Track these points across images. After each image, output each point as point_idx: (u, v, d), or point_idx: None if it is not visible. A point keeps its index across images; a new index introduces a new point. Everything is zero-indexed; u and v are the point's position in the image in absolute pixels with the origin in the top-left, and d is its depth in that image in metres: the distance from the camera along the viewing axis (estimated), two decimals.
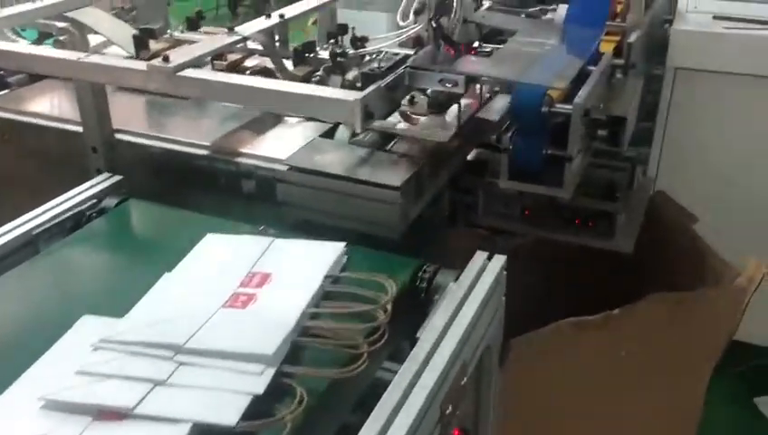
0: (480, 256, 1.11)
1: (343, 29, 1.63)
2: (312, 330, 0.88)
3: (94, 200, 1.32)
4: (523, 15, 1.74)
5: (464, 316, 0.99)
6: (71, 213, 1.29)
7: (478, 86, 1.43)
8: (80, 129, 1.52)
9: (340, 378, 0.82)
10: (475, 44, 1.56)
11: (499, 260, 1.10)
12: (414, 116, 1.37)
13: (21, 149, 1.64)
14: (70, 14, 1.74)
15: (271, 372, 0.81)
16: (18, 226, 1.23)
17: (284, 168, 1.31)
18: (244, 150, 1.45)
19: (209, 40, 1.45)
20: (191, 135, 1.51)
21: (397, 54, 1.37)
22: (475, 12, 1.61)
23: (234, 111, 1.60)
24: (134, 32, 1.67)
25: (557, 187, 1.25)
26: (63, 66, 1.40)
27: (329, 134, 1.44)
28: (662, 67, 1.96)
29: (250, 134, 1.52)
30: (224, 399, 0.77)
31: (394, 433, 0.77)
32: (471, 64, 1.35)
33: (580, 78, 1.32)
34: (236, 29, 1.46)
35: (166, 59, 1.28)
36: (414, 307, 1.05)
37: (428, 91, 1.34)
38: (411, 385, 0.85)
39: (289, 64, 1.61)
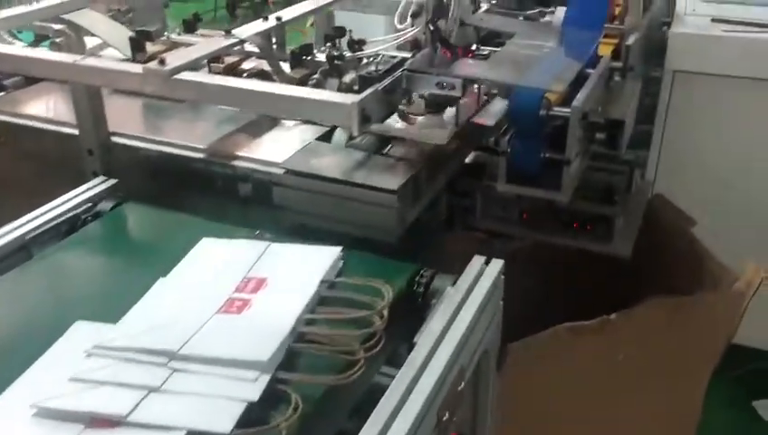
0: (478, 261, 1.11)
1: (341, 32, 1.62)
2: (307, 336, 0.88)
3: (89, 204, 1.32)
4: (520, 18, 1.74)
5: (461, 321, 0.98)
6: (65, 217, 1.29)
7: (476, 86, 1.43)
8: (76, 131, 1.51)
9: (335, 385, 0.81)
10: (473, 47, 1.55)
11: (497, 264, 1.10)
12: (411, 116, 1.36)
13: (17, 152, 1.63)
14: (66, 17, 1.74)
15: (266, 378, 0.80)
16: (12, 229, 1.22)
17: (281, 171, 1.30)
18: (240, 154, 1.44)
19: (206, 42, 1.44)
20: (187, 138, 1.50)
21: (394, 57, 1.36)
22: (473, 14, 1.60)
23: (230, 114, 1.60)
24: (130, 34, 1.66)
25: (555, 190, 1.25)
26: (59, 69, 1.39)
27: (326, 137, 1.44)
28: (660, 69, 1.96)
29: (246, 137, 1.52)
30: (218, 406, 0.76)
31: None
32: (468, 67, 1.34)
33: (579, 81, 1.32)
34: (233, 32, 1.46)
35: (162, 62, 1.27)
36: (411, 312, 1.04)
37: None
38: (408, 391, 0.85)
39: (286, 67, 1.60)
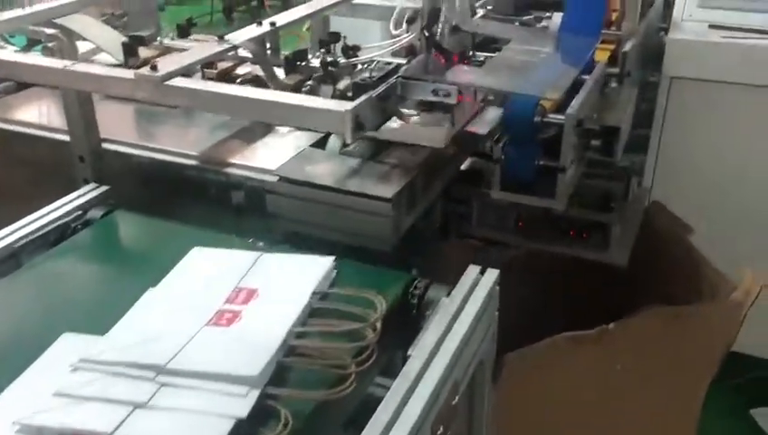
0: (473, 270, 1.09)
1: (335, 37, 1.61)
2: (298, 349, 0.86)
3: (79, 212, 1.30)
4: (517, 24, 1.73)
5: (456, 333, 0.97)
6: (55, 225, 1.27)
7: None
8: (67, 138, 1.49)
9: (326, 400, 0.79)
10: (469, 53, 1.54)
11: (492, 274, 1.08)
12: (407, 113, 1.35)
13: (6, 158, 1.61)
14: (59, 21, 1.72)
15: (255, 393, 0.78)
16: (1, 238, 1.20)
17: (274, 178, 1.29)
18: (233, 161, 1.42)
19: (199, 48, 1.42)
20: (180, 144, 1.48)
21: (389, 64, 1.35)
22: (469, 20, 1.59)
23: (223, 120, 1.58)
24: (123, 39, 1.65)
25: (550, 198, 1.23)
26: (49, 74, 1.38)
27: (321, 143, 1.42)
28: (657, 75, 1.95)
29: (240, 144, 1.50)
30: (206, 423, 0.75)
31: None
32: (463, 74, 1.33)
33: (575, 87, 1.31)
34: (226, 37, 1.44)
35: (154, 68, 1.26)
36: (405, 323, 1.03)
37: None
38: (402, 405, 0.83)
39: (280, 73, 1.59)
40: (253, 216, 1.36)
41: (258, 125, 1.55)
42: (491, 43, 1.64)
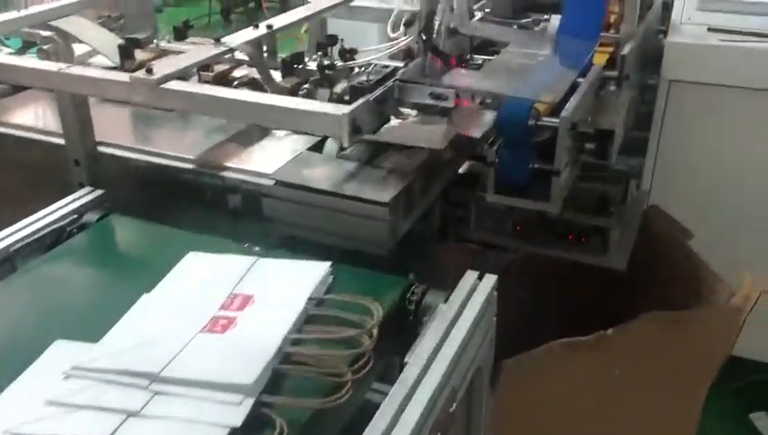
0: (471, 276, 1.08)
1: (333, 40, 1.60)
2: (293, 356, 0.85)
3: (75, 216, 1.29)
4: (515, 26, 1.72)
5: (453, 339, 0.96)
6: (50, 229, 1.26)
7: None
8: (62, 141, 1.48)
9: (322, 408, 0.78)
10: (467, 56, 1.53)
11: (490, 280, 1.07)
12: (405, 112, 1.34)
13: (2, 162, 1.60)
14: (54, 23, 1.71)
15: (250, 402, 0.77)
16: None
17: (271, 182, 1.28)
18: (229, 164, 1.42)
19: (195, 51, 1.41)
20: (176, 148, 1.47)
21: (386, 67, 1.34)
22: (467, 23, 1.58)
23: (220, 124, 1.57)
24: (120, 41, 1.64)
25: (544, 201, 1.23)
26: (44, 77, 1.37)
27: (318, 147, 1.41)
28: (656, 77, 1.94)
29: (236, 147, 1.49)
30: (200, 432, 0.74)
31: None
32: (461, 77, 1.32)
33: (573, 90, 1.30)
34: (223, 40, 1.43)
35: (149, 71, 1.25)
36: (402, 329, 1.02)
37: None
38: (399, 413, 0.82)
39: (277, 75, 1.58)
40: (249, 220, 1.35)
41: (255, 128, 1.54)
42: (489, 46, 1.63)
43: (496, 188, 1.26)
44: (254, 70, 1.60)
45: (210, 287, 0.98)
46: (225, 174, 1.40)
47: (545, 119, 1.20)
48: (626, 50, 1.52)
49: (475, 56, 1.57)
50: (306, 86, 1.46)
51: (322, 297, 0.96)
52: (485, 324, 1.05)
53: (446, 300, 1.04)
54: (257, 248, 1.15)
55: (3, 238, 1.20)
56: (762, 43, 1.80)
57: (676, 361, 1.31)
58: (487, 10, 1.75)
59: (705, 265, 1.51)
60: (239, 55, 1.58)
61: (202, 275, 1.02)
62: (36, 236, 1.23)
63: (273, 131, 1.55)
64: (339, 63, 1.49)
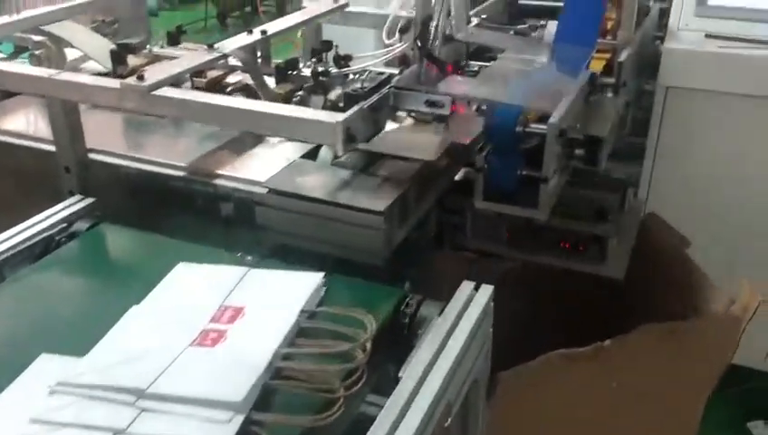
0: (467, 286, 1.07)
1: (328, 45, 1.58)
2: (284, 371, 0.83)
3: (64, 224, 1.27)
4: (511, 32, 1.71)
5: (449, 352, 0.94)
6: (39, 238, 1.24)
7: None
8: (52, 147, 1.46)
9: (313, 426, 0.76)
10: (463, 62, 1.52)
11: (486, 290, 1.06)
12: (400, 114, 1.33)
13: None
14: (46, 28, 1.69)
15: (239, 419, 0.75)
16: None
17: (264, 190, 1.26)
18: (222, 172, 1.40)
19: (188, 57, 1.40)
20: (168, 155, 1.45)
21: (381, 74, 1.32)
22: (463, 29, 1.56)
23: (213, 130, 1.55)
24: (112, 46, 1.62)
25: (533, 208, 1.21)
26: (34, 83, 1.35)
27: (312, 154, 1.39)
28: (653, 83, 1.93)
29: (229, 154, 1.47)
30: None
31: None
32: (457, 85, 1.31)
33: None
34: (216, 45, 1.41)
35: (141, 77, 1.23)
36: (397, 341, 1.00)
37: None
38: (392, 430, 0.80)
39: (272, 81, 1.56)
40: (242, 228, 1.33)
41: (248, 135, 1.53)
42: (485, 52, 1.62)
43: (485, 195, 1.25)
44: (248, 76, 1.58)
45: (200, 299, 0.96)
46: (218, 182, 1.38)
47: (533, 125, 1.18)
48: (623, 57, 1.51)
49: (471, 62, 1.56)
50: (300, 93, 1.45)
51: (315, 310, 0.94)
52: (482, 336, 1.03)
53: (441, 311, 1.02)
54: (250, 258, 1.13)
55: None
56: (759, 49, 1.79)
57: (674, 372, 1.29)
58: (483, 16, 1.73)
59: (703, 274, 1.50)
60: (233, 61, 1.56)
61: (192, 286, 1.00)
62: (25, 245, 1.22)
63: (267, 138, 1.53)
64: (333, 70, 1.47)
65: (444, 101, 1.23)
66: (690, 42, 1.85)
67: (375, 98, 1.21)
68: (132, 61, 1.62)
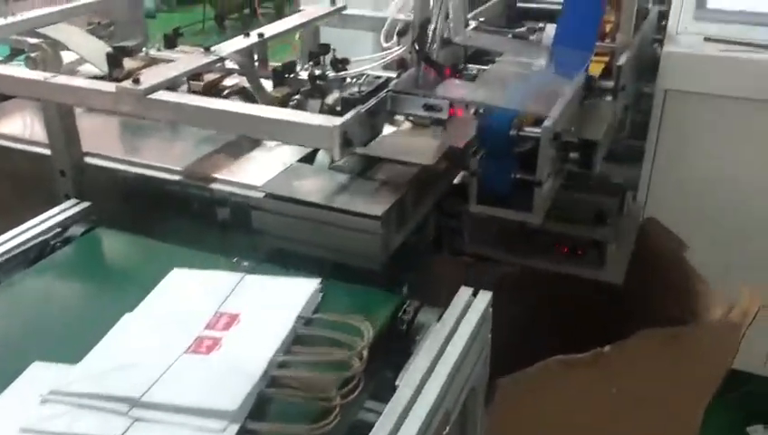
0: (465, 292, 1.06)
1: (325, 49, 1.57)
2: (280, 380, 0.82)
3: (59, 229, 1.26)
4: (510, 35, 1.70)
5: (447, 360, 0.93)
6: (34, 242, 1.23)
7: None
8: (48, 151, 1.45)
9: None
10: (461, 66, 1.51)
11: (485, 296, 1.05)
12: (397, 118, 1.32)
13: None
14: (42, 31, 1.68)
15: (234, 428, 0.74)
16: None
17: (260, 194, 1.25)
18: (218, 176, 1.39)
19: (184, 60, 1.39)
20: (164, 159, 1.44)
21: (379, 78, 1.31)
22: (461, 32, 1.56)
23: (209, 133, 1.55)
24: (108, 49, 1.61)
25: (527, 211, 1.21)
26: (29, 86, 1.34)
27: (309, 157, 1.39)
28: (652, 85, 1.92)
29: (226, 158, 1.47)
30: None
31: None
32: (455, 89, 1.30)
33: None
34: (213, 49, 1.40)
35: (136, 81, 1.22)
36: (394, 348, 0.99)
37: None
38: None
39: (269, 84, 1.55)
40: (238, 233, 1.32)
41: (245, 139, 1.52)
42: (483, 55, 1.61)
43: (479, 199, 1.24)
44: (245, 78, 1.57)
45: (195, 306, 0.95)
46: (214, 186, 1.37)
47: (527, 129, 1.18)
48: (622, 60, 1.50)
49: (470, 66, 1.55)
50: (297, 97, 1.44)
51: (311, 317, 0.93)
52: (480, 343, 1.02)
53: (439, 317, 1.01)
54: (246, 263, 1.12)
55: None
56: (758, 53, 1.79)
57: (674, 378, 1.28)
58: (482, 19, 1.73)
59: (702, 279, 1.49)
60: (230, 64, 1.56)
61: (187, 292, 0.99)
62: (20, 250, 1.20)
63: (264, 142, 1.52)
64: (330, 74, 1.46)
65: (442, 105, 1.23)
66: (689, 45, 1.85)
67: (372, 102, 1.21)
68: (128, 64, 1.61)
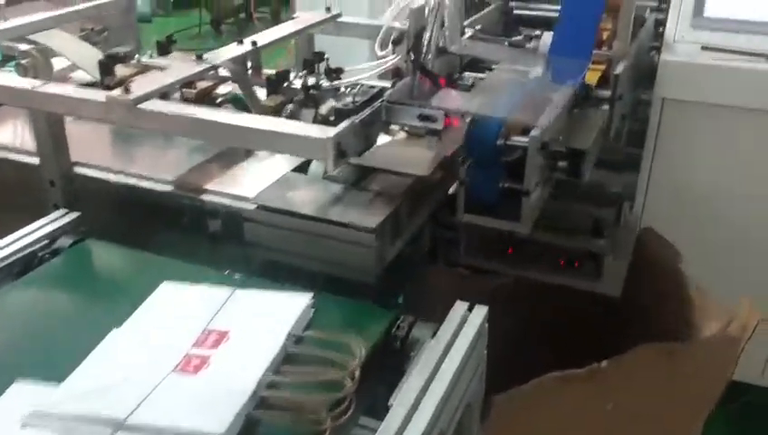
0: (460, 307, 1.04)
1: (319, 57, 1.55)
2: (270, 400, 0.80)
3: (47, 240, 1.24)
4: (506, 43, 1.69)
5: (443, 376, 0.91)
6: (21, 254, 1.21)
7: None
8: (36, 160, 1.43)
9: None
10: (456, 75, 1.49)
11: (481, 311, 1.03)
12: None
13: None
14: (33, 37, 1.66)
15: None
16: None
17: (252, 206, 1.23)
18: (210, 187, 1.37)
19: (176, 68, 1.37)
20: (155, 169, 1.42)
21: (373, 87, 1.30)
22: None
23: (201, 142, 1.52)
24: (101, 56, 1.59)
25: (515, 221, 1.19)
26: (17, 95, 1.31)
27: (303, 167, 1.37)
28: (649, 93, 1.91)
29: (218, 168, 1.44)
30: None
31: None
32: (450, 99, 1.28)
33: None
34: (205, 56, 1.38)
35: (127, 90, 1.20)
36: (388, 365, 0.97)
37: None
38: None
39: (262, 93, 1.53)
40: (230, 245, 1.30)
41: (237, 148, 1.50)
42: (479, 63, 1.60)
43: (467, 208, 1.23)
44: (237, 86, 1.55)
45: (184, 322, 0.93)
46: (206, 197, 1.35)
47: (515, 138, 1.17)
48: (619, 69, 1.49)
49: (466, 74, 1.53)
50: (290, 106, 1.42)
51: (302, 334, 0.91)
52: (476, 359, 1.01)
53: (434, 333, 0.99)
54: (238, 276, 1.10)
55: None
56: (756, 62, 1.78)
57: (671, 393, 1.26)
58: (478, 26, 1.71)
59: (700, 290, 1.47)
60: (223, 72, 1.53)
61: (176, 308, 0.97)
62: (6, 262, 1.18)
63: (257, 151, 1.50)
64: (324, 83, 1.45)
65: (437, 116, 1.21)
66: (686, 54, 1.83)
67: (367, 112, 1.19)
68: (121, 71, 1.59)
